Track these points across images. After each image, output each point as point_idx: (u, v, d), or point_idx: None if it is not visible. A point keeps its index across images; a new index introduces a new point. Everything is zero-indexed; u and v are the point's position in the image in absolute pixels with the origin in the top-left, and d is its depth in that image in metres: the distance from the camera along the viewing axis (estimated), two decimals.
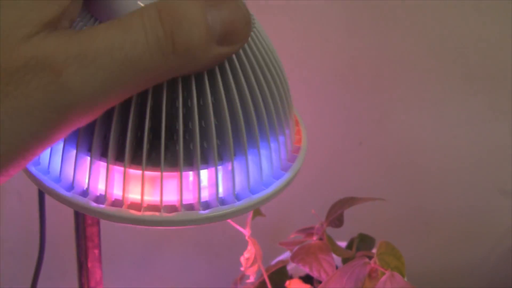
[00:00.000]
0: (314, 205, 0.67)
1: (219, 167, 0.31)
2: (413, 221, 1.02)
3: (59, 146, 0.31)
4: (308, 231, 0.61)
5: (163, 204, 0.31)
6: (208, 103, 0.29)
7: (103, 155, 0.30)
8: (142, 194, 0.31)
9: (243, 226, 0.60)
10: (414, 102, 0.93)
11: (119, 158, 0.30)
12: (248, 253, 0.58)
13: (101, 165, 0.31)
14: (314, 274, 0.56)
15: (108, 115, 0.29)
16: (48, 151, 0.32)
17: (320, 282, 0.56)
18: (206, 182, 0.31)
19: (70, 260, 0.85)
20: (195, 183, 0.30)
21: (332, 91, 0.90)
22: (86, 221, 0.54)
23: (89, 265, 0.56)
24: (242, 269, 0.59)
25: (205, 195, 0.31)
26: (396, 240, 0.59)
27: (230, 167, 0.31)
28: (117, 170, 0.30)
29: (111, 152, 0.29)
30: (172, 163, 0.30)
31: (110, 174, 0.30)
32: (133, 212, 0.31)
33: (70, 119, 0.24)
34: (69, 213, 0.77)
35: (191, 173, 0.31)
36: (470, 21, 0.89)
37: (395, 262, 0.54)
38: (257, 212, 0.62)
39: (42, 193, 0.75)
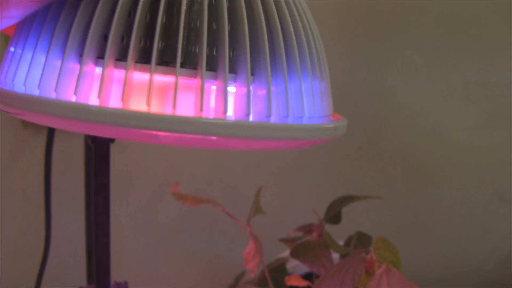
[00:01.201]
0: (313, 205, 0.69)
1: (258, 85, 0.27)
2: (411, 225, 1.03)
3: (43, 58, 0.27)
4: (307, 228, 0.63)
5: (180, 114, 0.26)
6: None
7: (102, 57, 0.26)
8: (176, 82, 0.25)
9: (243, 224, 0.62)
10: (414, 109, 0.95)
11: (120, 62, 0.26)
12: (249, 248, 0.59)
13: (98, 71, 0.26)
14: (313, 269, 0.58)
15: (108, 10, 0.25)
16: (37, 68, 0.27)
17: (318, 277, 0.58)
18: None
19: (74, 261, 0.87)
20: (241, 91, 0.26)
21: (333, 97, 0.91)
22: (97, 209, 0.56)
23: (98, 253, 0.58)
24: (243, 263, 0.60)
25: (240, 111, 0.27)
26: (394, 243, 0.60)
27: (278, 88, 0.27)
28: (119, 77, 0.26)
29: (110, 51, 0.25)
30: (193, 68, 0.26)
31: (113, 76, 0.25)
32: (165, 112, 0.25)
33: None
34: (75, 211, 0.79)
35: (214, 86, 0.27)
36: (469, 30, 0.91)
37: (391, 257, 0.56)
38: (258, 210, 0.63)
39: (48, 192, 0.77)
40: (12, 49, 0.29)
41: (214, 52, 0.26)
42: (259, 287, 0.66)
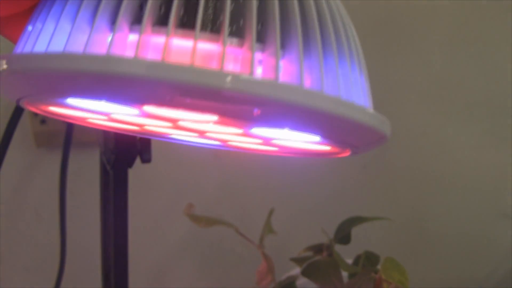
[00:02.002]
0: (320, 224, 0.70)
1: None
2: (416, 241, 1.05)
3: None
4: (317, 248, 0.65)
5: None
6: None
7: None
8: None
9: (255, 242, 0.64)
10: (415, 128, 0.97)
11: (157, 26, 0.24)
12: (261, 267, 0.61)
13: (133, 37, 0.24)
14: None
15: None
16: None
17: None
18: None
19: (87, 280, 0.88)
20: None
21: None
22: (115, 232, 0.58)
23: (116, 274, 0.59)
24: (255, 282, 0.62)
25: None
26: (400, 259, 0.62)
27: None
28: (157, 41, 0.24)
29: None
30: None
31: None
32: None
33: None
34: (87, 231, 0.80)
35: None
36: (472, 52, 0.94)
37: (399, 277, 0.58)
38: (269, 230, 0.65)
39: (63, 210, 0.79)
40: (30, 27, 0.27)
41: (259, 25, 0.24)
42: None
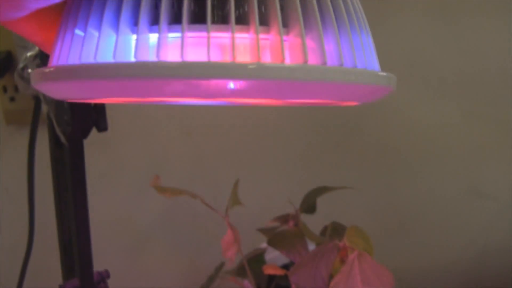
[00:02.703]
0: (292, 198, 0.70)
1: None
2: (388, 221, 1.05)
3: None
4: (284, 219, 0.65)
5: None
6: None
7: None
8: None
9: (222, 214, 0.64)
10: (389, 105, 0.97)
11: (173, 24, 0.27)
12: (228, 238, 0.61)
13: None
14: (290, 257, 0.60)
15: None
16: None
17: None
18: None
19: (58, 258, 0.88)
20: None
21: None
22: (75, 205, 0.57)
23: (80, 246, 0.59)
24: (222, 253, 0.62)
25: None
26: (373, 237, 0.62)
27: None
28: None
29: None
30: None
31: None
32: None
33: None
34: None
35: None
36: (445, 27, 0.94)
37: (363, 244, 0.58)
38: (236, 201, 0.65)
39: (31, 189, 0.78)
40: (66, 32, 0.29)
41: (263, 8, 0.27)
42: (238, 277, 0.68)
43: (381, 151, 1.00)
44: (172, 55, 0.26)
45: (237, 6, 0.26)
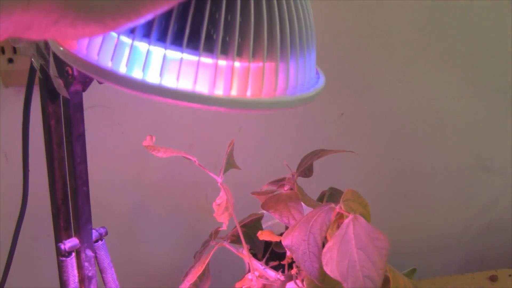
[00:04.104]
0: (294, 169, 0.69)
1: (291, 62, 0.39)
2: (392, 193, 1.04)
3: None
4: (280, 183, 0.63)
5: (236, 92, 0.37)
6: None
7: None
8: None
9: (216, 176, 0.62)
10: (396, 75, 0.95)
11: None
12: (220, 200, 0.60)
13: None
14: (284, 220, 0.58)
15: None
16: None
17: None
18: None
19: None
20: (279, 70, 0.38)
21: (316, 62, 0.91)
22: (75, 160, 0.56)
23: (79, 203, 0.58)
24: (214, 215, 0.61)
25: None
26: (375, 211, 0.61)
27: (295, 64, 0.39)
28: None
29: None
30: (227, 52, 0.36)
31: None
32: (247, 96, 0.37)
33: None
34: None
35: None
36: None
37: (360, 209, 0.56)
38: (231, 163, 0.64)
39: (26, 149, 0.77)
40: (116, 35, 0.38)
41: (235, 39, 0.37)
42: (231, 243, 0.66)
43: (386, 121, 0.98)
44: (153, 75, 0.37)
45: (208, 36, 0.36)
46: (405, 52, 0.93)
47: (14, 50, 0.80)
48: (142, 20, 0.29)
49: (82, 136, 0.57)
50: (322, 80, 0.46)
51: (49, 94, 0.57)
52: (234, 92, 0.37)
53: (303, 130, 0.95)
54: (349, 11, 0.89)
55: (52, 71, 0.54)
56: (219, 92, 0.37)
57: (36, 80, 0.74)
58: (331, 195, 0.64)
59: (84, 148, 0.58)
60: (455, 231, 1.09)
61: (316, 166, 0.69)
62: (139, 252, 0.98)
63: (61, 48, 0.40)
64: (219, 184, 0.60)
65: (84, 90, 0.56)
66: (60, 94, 0.57)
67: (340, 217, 0.57)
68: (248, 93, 0.38)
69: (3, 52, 0.80)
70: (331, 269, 0.51)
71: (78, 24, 0.27)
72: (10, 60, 0.81)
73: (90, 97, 0.63)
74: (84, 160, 0.58)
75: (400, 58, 0.94)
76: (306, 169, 0.63)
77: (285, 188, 0.62)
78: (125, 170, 0.92)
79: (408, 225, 1.07)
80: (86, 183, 0.59)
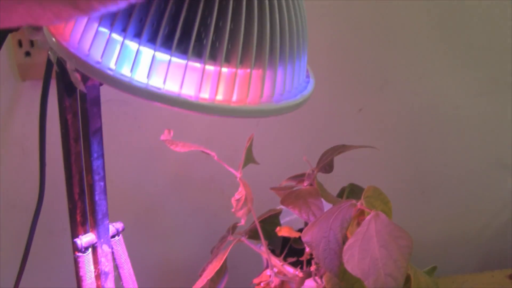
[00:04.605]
0: (313, 164, 0.68)
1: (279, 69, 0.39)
2: (410, 190, 1.03)
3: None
4: (299, 178, 0.62)
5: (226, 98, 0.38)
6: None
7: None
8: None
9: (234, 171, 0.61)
10: (416, 71, 0.93)
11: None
12: (239, 195, 0.59)
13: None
14: (303, 216, 0.57)
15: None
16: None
17: None
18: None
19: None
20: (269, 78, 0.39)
21: (334, 56, 0.90)
22: (92, 155, 0.56)
23: (96, 198, 0.58)
24: (232, 210, 0.60)
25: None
26: (393, 207, 0.60)
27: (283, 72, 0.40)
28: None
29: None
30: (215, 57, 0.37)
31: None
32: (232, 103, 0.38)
33: None
34: None
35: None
36: None
37: (382, 206, 0.55)
38: (250, 158, 0.63)
39: (43, 146, 0.77)
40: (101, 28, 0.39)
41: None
42: (250, 239, 0.66)
43: (404, 118, 0.96)
44: (141, 75, 0.38)
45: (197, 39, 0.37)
46: (425, 48, 0.92)
47: (32, 44, 0.80)
48: (115, 7, 0.27)
49: (99, 130, 0.57)
50: (311, 85, 0.46)
51: (66, 88, 0.57)
52: (220, 97, 0.37)
53: (319, 125, 0.94)
54: (368, 5, 0.88)
55: (70, 65, 0.53)
56: (205, 95, 0.37)
57: (53, 74, 0.74)
58: (351, 192, 0.63)
59: (101, 143, 0.57)
60: (473, 229, 1.08)
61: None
62: (154, 248, 0.97)
63: (53, 39, 0.40)
64: (238, 179, 0.60)
65: (101, 84, 0.55)
66: (77, 88, 0.56)
67: (360, 213, 0.56)
68: (234, 99, 0.38)
69: (21, 45, 0.80)
70: (352, 267, 0.50)
71: (45, 3, 0.26)
72: (27, 54, 0.81)
73: (107, 91, 0.62)
74: (101, 155, 0.57)
75: (420, 54, 0.92)
76: (326, 165, 0.62)
77: (305, 184, 0.61)
78: (141, 164, 0.91)
79: (425, 222, 1.06)
80: (103, 178, 0.58)
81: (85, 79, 0.54)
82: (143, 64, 0.37)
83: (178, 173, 0.93)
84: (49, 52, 0.56)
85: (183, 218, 0.96)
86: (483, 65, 0.95)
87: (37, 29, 0.52)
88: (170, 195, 0.94)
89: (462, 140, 0.99)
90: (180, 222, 0.96)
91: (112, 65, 0.38)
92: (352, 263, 0.50)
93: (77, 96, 0.57)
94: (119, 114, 0.87)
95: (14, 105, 0.84)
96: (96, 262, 0.60)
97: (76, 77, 0.54)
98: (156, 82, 0.37)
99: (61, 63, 0.56)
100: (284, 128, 0.93)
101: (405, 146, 0.98)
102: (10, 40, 0.78)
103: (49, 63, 0.73)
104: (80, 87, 0.54)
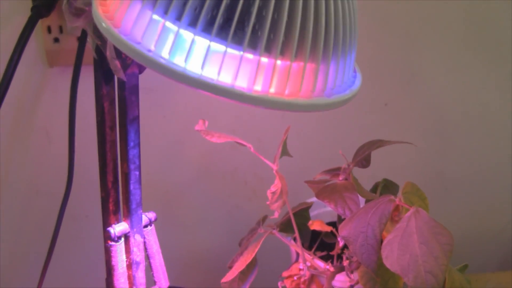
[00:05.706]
0: (340, 158, 0.68)
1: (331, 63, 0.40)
2: (433, 186, 1.02)
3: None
4: (334, 172, 0.62)
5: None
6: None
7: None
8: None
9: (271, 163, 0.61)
10: (442, 66, 0.93)
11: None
12: (275, 187, 0.59)
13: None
14: (339, 211, 0.57)
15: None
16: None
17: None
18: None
19: (96, 202, 0.87)
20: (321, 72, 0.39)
21: (361, 51, 0.89)
22: (128, 144, 0.56)
23: (131, 187, 0.57)
24: (267, 203, 0.60)
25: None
26: None
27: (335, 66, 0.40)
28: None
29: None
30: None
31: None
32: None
33: None
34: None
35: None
36: None
37: (419, 202, 0.55)
38: (285, 150, 0.63)
39: (72, 131, 0.77)
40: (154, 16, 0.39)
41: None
42: (281, 232, 0.65)
43: (430, 113, 0.96)
44: (195, 65, 0.38)
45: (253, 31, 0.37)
46: (453, 42, 0.91)
47: (61, 30, 0.79)
48: None
49: (136, 119, 0.57)
50: (358, 80, 0.46)
51: (104, 76, 0.56)
52: (272, 90, 0.37)
53: (346, 119, 0.93)
54: (396, 1, 0.87)
55: (110, 52, 0.53)
56: (258, 88, 0.37)
57: (85, 61, 0.73)
58: (385, 187, 0.63)
59: (138, 132, 0.57)
60: (496, 227, 1.07)
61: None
62: (177, 238, 0.97)
63: (104, 25, 0.40)
64: (274, 171, 0.59)
65: (140, 72, 0.55)
66: (114, 76, 0.56)
67: (395, 209, 0.56)
68: (287, 92, 0.38)
69: (50, 31, 0.79)
70: (391, 263, 0.50)
71: None
72: (56, 40, 0.80)
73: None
74: (137, 144, 0.57)
75: (448, 48, 0.91)
76: (363, 159, 0.62)
77: (340, 178, 0.60)
78: (164, 154, 0.91)
79: (447, 219, 1.04)
80: (138, 167, 0.58)
81: (125, 67, 0.53)
82: (196, 54, 0.37)
83: (200, 164, 0.93)
84: (88, 39, 0.55)
85: (206, 209, 0.96)
86: (508, 62, 0.94)
87: (78, 15, 0.51)
88: (192, 186, 0.93)
89: (488, 137, 0.99)
90: (202, 213, 0.96)
91: (165, 54, 0.37)
92: (391, 259, 0.50)
93: (114, 84, 0.57)
94: (145, 103, 0.86)
95: (41, 91, 0.84)
96: (128, 251, 0.60)
97: (115, 65, 0.53)
98: (210, 73, 0.37)
99: (100, 50, 0.55)
100: (309, 121, 0.92)
101: (430, 142, 0.98)
102: (40, 26, 0.78)
103: (80, 50, 0.73)
104: (120, 75, 0.53)
